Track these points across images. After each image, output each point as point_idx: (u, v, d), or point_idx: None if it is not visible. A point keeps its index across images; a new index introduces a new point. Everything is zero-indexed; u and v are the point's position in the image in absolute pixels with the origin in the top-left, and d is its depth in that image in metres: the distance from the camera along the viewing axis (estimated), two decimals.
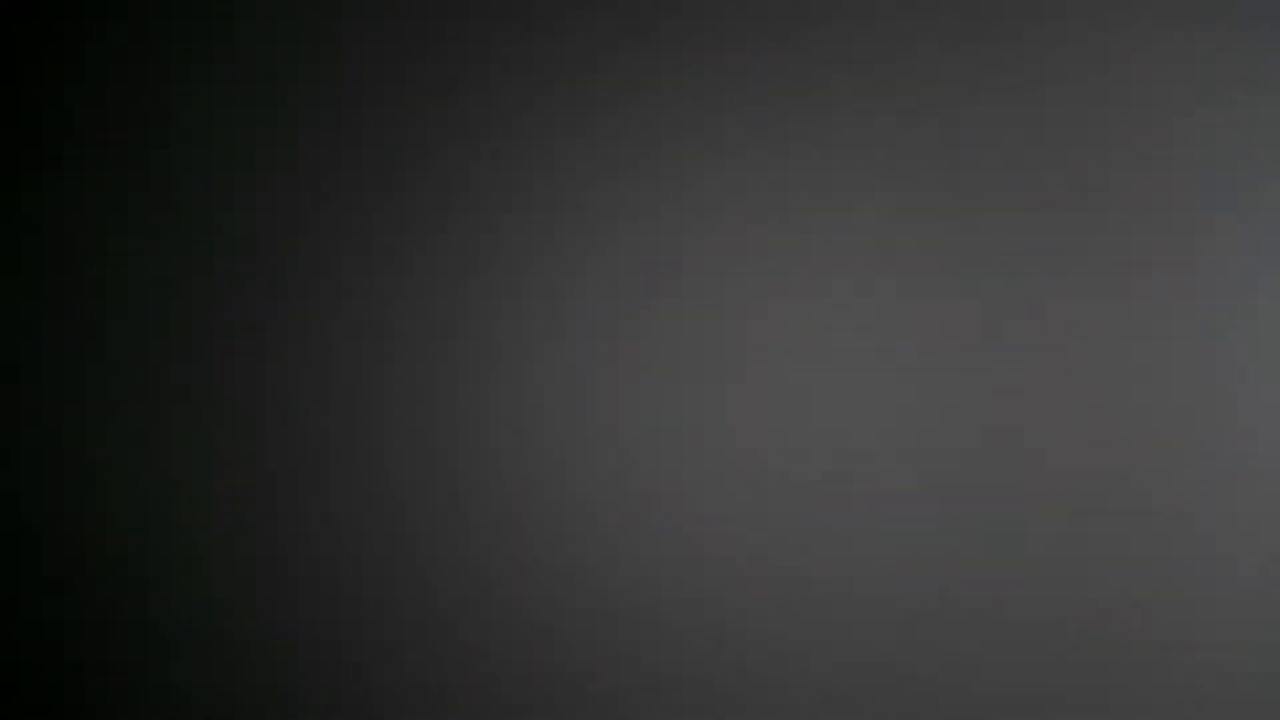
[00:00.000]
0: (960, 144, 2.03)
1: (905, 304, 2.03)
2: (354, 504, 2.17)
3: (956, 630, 2.02)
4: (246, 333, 2.20)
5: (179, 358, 2.22)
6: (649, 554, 2.09)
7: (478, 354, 2.14)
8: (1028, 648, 2.00)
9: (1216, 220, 1.97)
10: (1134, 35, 1.99)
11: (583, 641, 2.11)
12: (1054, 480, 2.00)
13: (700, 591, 2.08)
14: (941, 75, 2.03)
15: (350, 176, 2.18)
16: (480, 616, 2.14)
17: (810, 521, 2.05)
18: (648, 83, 2.10)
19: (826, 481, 2.04)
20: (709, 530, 2.08)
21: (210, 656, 2.20)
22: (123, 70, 2.25)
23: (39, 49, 2.27)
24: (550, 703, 2.12)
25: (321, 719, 2.17)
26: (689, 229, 2.09)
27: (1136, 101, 1.99)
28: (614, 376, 2.10)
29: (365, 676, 2.16)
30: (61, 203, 2.26)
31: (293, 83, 2.20)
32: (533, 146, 2.13)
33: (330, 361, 2.18)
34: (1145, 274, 1.98)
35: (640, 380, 2.10)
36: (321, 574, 2.17)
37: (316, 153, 2.19)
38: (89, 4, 2.26)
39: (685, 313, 2.09)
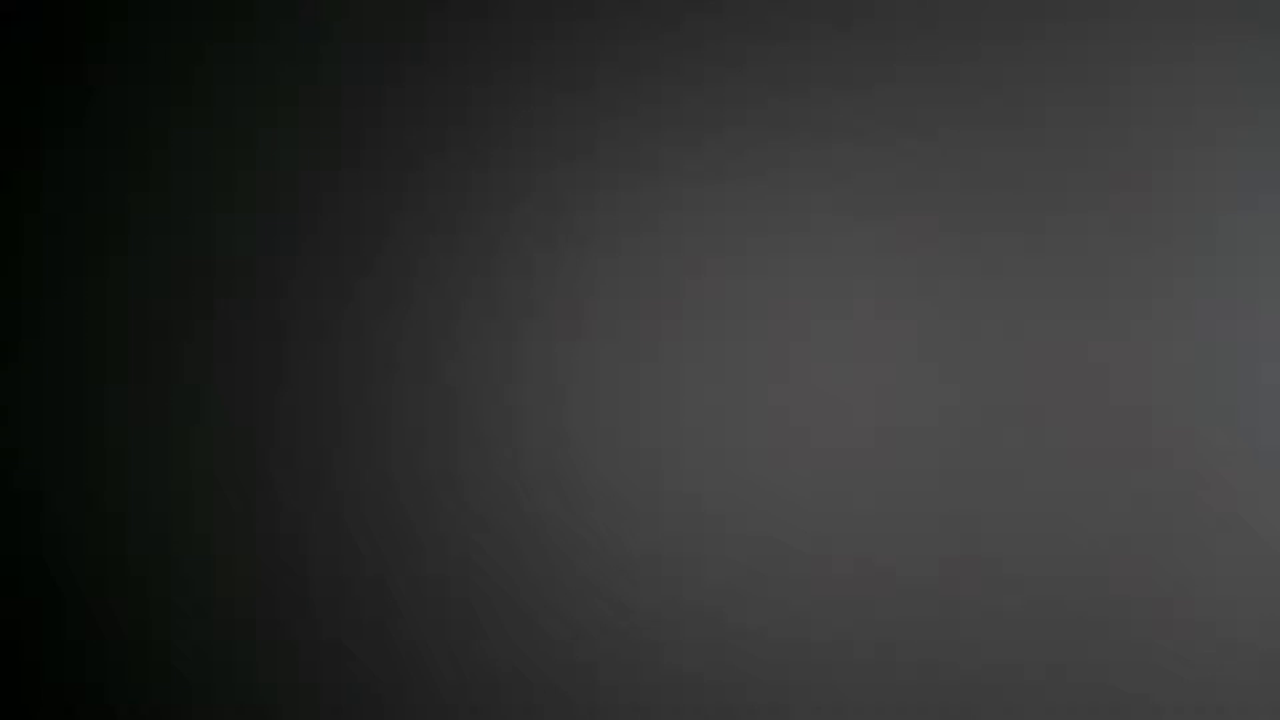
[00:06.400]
0: (971, 147, 2.03)
1: (916, 304, 2.03)
2: (363, 507, 2.17)
3: (963, 624, 2.02)
4: (253, 334, 2.20)
5: (185, 357, 2.22)
6: (667, 553, 2.09)
7: (489, 355, 2.14)
8: (1039, 644, 2.00)
9: (1218, 220, 1.97)
10: (1135, 38, 1.99)
11: (601, 641, 2.11)
12: (1062, 476, 2.00)
13: (718, 588, 2.08)
14: (952, 82, 2.03)
15: (361, 176, 2.18)
16: (497, 620, 2.14)
17: (825, 518, 2.05)
18: (659, 84, 2.10)
19: (839, 478, 2.05)
20: (724, 528, 2.08)
21: (214, 662, 2.20)
22: (123, 70, 2.24)
23: (39, 49, 2.27)
24: (568, 705, 2.12)
25: None
26: (705, 230, 2.09)
27: (1137, 102, 1.99)
28: (628, 376, 2.10)
29: (376, 681, 2.16)
30: (62, 203, 2.26)
31: (299, 79, 2.20)
32: (548, 144, 2.13)
33: (339, 361, 2.18)
34: (1147, 273, 1.98)
35: (656, 379, 2.10)
36: (329, 576, 2.17)
37: (324, 151, 2.19)
38: (89, 4, 2.26)
39: (700, 313, 2.09)
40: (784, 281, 2.06)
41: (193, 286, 2.22)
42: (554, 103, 2.13)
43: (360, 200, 2.18)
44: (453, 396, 2.15)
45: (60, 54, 2.26)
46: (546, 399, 2.12)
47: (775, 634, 2.06)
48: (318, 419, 2.18)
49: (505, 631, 2.13)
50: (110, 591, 2.23)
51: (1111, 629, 1.98)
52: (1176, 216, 1.97)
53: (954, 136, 2.03)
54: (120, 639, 2.23)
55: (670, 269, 2.09)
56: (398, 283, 2.16)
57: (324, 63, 2.19)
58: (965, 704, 2.01)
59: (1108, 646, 1.98)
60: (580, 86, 2.12)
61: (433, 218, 2.16)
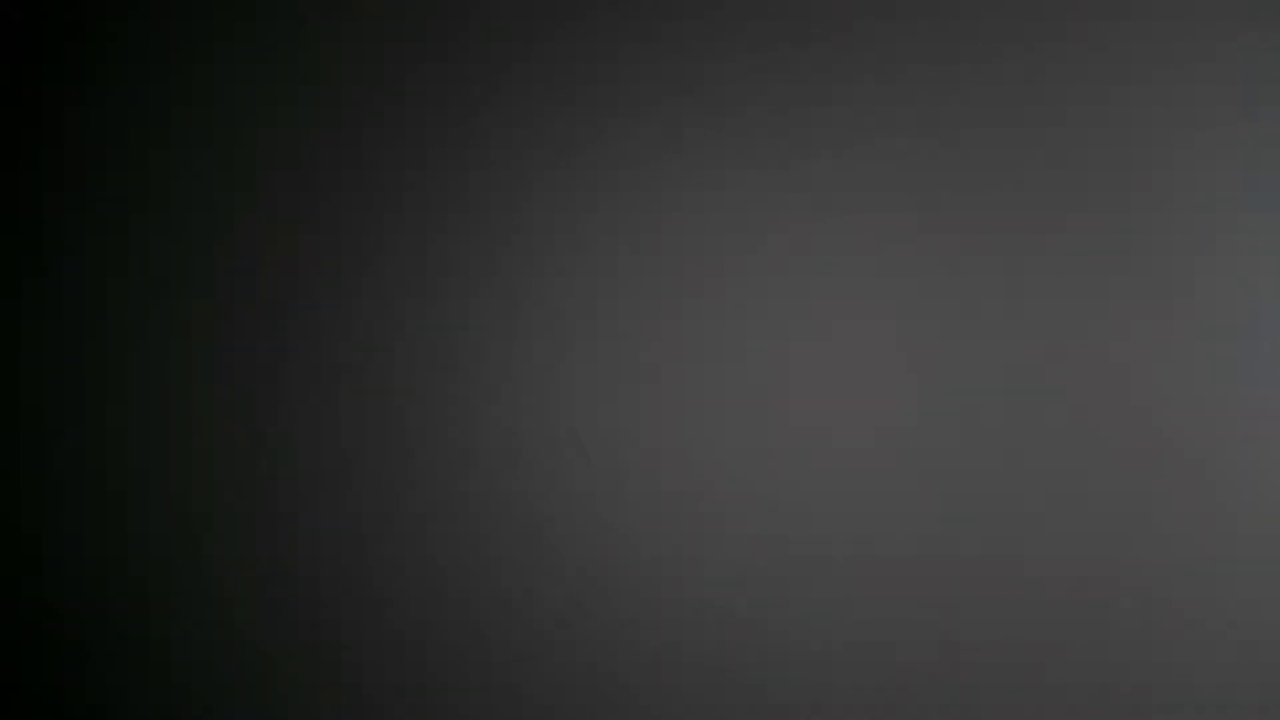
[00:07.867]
0: (972, 147, 2.03)
1: (917, 304, 2.03)
2: (365, 507, 2.17)
3: (967, 622, 2.02)
4: (256, 336, 2.20)
5: (186, 357, 2.22)
6: (669, 553, 2.09)
7: (489, 355, 2.14)
8: (1043, 644, 2.00)
9: (1218, 220, 1.97)
10: (1136, 39, 1.99)
11: (601, 641, 2.11)
12: (1062, 475, 2.00)
13: (720, 589, 2.08)
14: (953, 83, 2.03)
15: (361, 176, 2.18)
16: (500, 621, 2.14)
17: (827, 519, 2.05)
18: (664, 86, 2.11)
19: (842, 478, 2.05)
20: (726, 529, 2.08)
21: (214, 662, 2.20)
22: (123, 70, 2.25)
23: (40, 48, 2.27)
24: (570, 706, 2.12)
25: None
26: (708, 230, 2.09)
27: (1138, 102, 1.99)
28: (629, 377, 2.10)
29: (378, 683, 2.16)
30: (61, 203, 2.26)
31: (299, 79, 2.20)
32: (549, 146, 2.13)
33: (340, 362, 2.18)
34: (1147, 272, 1.98)
35: (658, 381, 2.10)
36: (333, 577, 2.17)
37: (324, 151, 2.19)
38: (89, 3, 2.26)
39: (703, 313, 2.09)
40: (787, 282, 2.06)
41: (193, 286, 2.22)
42: (554, 104, 2.13)
43: (360, 200, 2.18)
44: (454, 396, 2.15)
45: (60, 54, 2.26)
46: (548, 399, 2.12)
47: (778, 634, 2.06)
48: (318, 419, 2.18)
49: (508, 633, 2.13)
50: (110, 593, 2.23)
51: (1116, 628, 1.98)
52: (1177, 216, 1.97)
53: (954, 137, 2.02)
54: (120, 641, 2.23)
55: (672, 269, 2.09)
56: (398, 282, 2.16)
57: (324, 62, 2.19)
58: (968, 702, 2.01)
59: (1113, 645, 1.98)
60: (580, 89, 2.12)
61: (433, 217, 2.16)
